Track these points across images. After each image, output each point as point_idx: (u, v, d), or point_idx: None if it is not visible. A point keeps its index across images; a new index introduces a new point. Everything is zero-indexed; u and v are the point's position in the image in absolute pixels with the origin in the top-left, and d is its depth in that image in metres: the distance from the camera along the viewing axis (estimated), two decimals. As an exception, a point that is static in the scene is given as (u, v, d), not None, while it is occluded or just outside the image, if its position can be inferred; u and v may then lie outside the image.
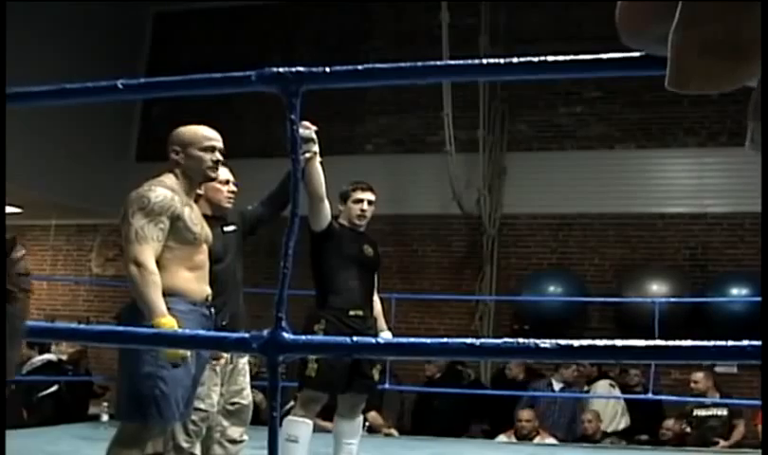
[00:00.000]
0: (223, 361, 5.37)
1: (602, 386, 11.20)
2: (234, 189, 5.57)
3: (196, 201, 5.14)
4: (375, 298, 6.38)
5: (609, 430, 10.99)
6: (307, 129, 5.68)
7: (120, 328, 2.97)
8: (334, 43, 13.60)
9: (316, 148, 5.70)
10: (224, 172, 5.42)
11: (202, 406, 5.21)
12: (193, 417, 5.16)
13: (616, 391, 11.09)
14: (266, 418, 1.93)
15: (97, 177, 13.58)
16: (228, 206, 5.58)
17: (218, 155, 4.61)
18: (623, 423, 11.10)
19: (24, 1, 11.69)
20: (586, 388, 11.34)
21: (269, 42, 13.69)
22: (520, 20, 12.89)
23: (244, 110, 13.03)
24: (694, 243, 12.41)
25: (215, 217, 5.45)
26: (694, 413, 10.34)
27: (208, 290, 4.51)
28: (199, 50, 13.94)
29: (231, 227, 5.58)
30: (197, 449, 5.27)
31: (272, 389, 1.92)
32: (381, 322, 6.46)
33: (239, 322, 5.36)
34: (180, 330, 3.96)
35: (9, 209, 14.27)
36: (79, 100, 2.64)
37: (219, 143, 4.63)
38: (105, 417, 9.45)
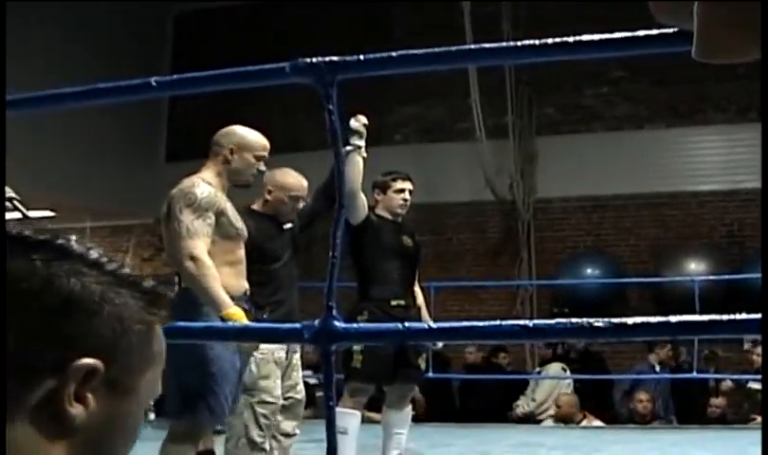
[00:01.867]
0: (283, 355, 5.39)
1: (554, 367, 11.25)
2: (301, 205, 5.62)
3: (263, 204, 5.48)
4: (417, 288, 6.41)
5: (553, 413, 11.04)
6: (359, 121, 5.72)
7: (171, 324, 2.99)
8: (355, 37, 13.54)
9: (361, 142, 5.72)
10: (300, 188, 5.58)
11: (270, 399, 5.23)
12: (264, 411, 5.19)
13: (568, 374, 11.19)
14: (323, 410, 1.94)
15: (128, 179, 13.65)
16: (289, 217, 5.64)
17: (263, 166, 4.71)
18: None
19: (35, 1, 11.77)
20: (538, 369, 11.38)
21: (291, 37, 13.66)
22: (541, 6, 12.83)
23: (269, 106, 13.03)
24: (729, 220, 12.34)
25: (274, 217, 5.54)
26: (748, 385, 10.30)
27: (246, 285, 4.54)
28: (221, 49, 13.92)
29: (289, 225, 5.62)
30: (268, 444, 5.30)
31: (327, 378, 1.92)
32: (424, 312, 6.48)
33: (295, 319, 5.38)
34: (239, 322, 3.98)
35: (43, 214, 14.40)
36: (112, 99, 2.66)
37: (267, 154, 4.71)
38: (151, 416, 9.47)
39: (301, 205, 5.61)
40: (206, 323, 3.19)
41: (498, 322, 1.80)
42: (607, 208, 12.95)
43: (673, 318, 1.77)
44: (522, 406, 11.18)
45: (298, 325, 1.97)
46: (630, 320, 1.79)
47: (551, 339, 8.75)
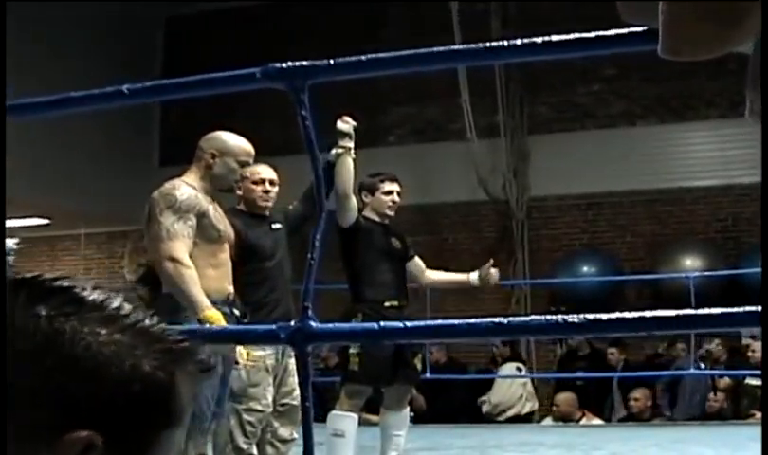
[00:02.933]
0: (274, 362, 5.37)
1: (509, 367, 11.28)
2: (269, 188, 5.57)
3: (239, 201, 5.46)
4: (432, 274, 6.54)
5: (511, 414, 11.05)
6: (346, 123, 5.70)
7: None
8: (345, 36, 13.53)
9: (350, 143, 5.71)
10: (263, 172, 5.52)
11: (258, 407, 5.22)
12: (251, 418, 5.19)
13: (523, 373, 11.31)
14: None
15: (122, 184, 13.63)
16: (263, 204, 5.58)
17: (247, 172, 4.70)
18: (528, 407, 11.15)
19: (32, 0, 11.76)
20: (495, 369, 11.43)
21: (283, 39, 13.62)
22: (530, 4, 12.81)
23: (262, 108, 13.00)
24: (724, 215, 12.34)
25: (261, 216, 5.52)
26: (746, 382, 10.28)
27: (230, 288, 4.53)
28: (213, 52, 13.84)
29: (278, 225, 5.60)
30: (254, 450, 5.28)
31: (303, 379, 1.91)
32: (451, 276, 6.65)
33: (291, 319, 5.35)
34: (205, 317, 3.97)
35: (38, 221, 14.42)
36: (86, 107, 2.66)
37: (252, 159, 4.70)
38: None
39: (269, 188, 5.53)
40: (180, 326, 3.17)
41: (472, 321, 1.79)
42: (602, 205, 12.97)
43: (648, 314, 1.76)
44: (487, 404, 11.24)
45: (273, 326, 1.95)
46: (604, 316, 1.78)
47: (532, 336, 8.72)
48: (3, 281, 0.96)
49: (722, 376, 10.56)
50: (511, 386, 11.22)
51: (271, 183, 5.55)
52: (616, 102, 13.06)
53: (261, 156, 5.42)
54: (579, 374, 11.13)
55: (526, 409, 11.17)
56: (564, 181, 12.78)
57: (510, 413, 11.14)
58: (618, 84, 12.97)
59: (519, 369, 11.35)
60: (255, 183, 5.49)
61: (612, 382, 11.05)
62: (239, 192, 5.44)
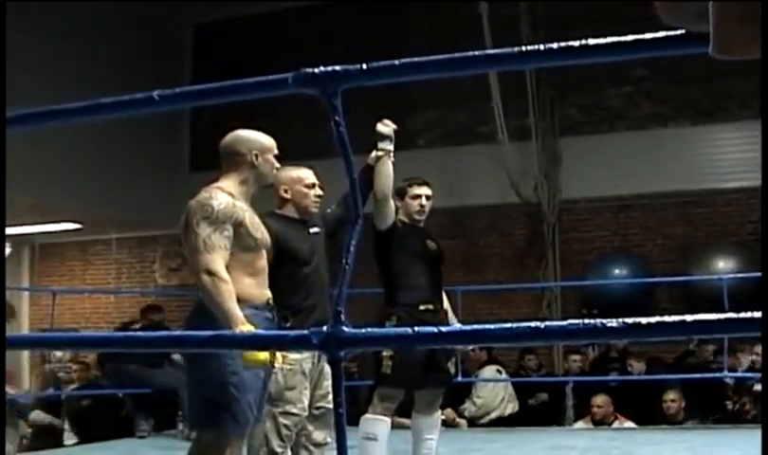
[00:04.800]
0: (311, 366, 5.37)
1: (489, 371, 11.26)
2: (320, 192, 5.59)
3: (283, 205, 5.45)
4: (442, 293, 6.38)
5: (494, 416, 11.03)
6: (387, 126, 5.71)
7: (182, 333, 2.97)
8: (372, 42, 13.53)
9: (390, 146, 5.71)
10: (311, 176, 5.55)
11: (294, 410, 5.22)
12: (286, 422, 5.19)
13: (503, 377, 11.28)
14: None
15: (153, 190, 13.73)
16: (315, 210, 5.61)
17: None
18: (509, 409, 11.13)
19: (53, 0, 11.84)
20: (476, 373, 11.39)
21: (309, 44, 13.66)
22: (559, 6, 12.78)
23: (289, 114, 13.02)
24: (756, 217, 12.23)
25: (301, 221, 5.52)
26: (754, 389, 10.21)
27: (268, 294, 4.51)
28: (241, 58, 13.96)
29: (316, 229, 5.59)
30: (289, 454, 5.28)
31: (336, 384, 1.90)
32: (451, 316, 6.47)
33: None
34: (240, 331, 3.95)
35: (69, 226, 14.54)
36: (117, 113, 2.66)
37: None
38: (182, 426, 9.51)
39: (319, 192, 5.59)
40: (215, 332, 3.17)
41: (509, 325, 1.77)
42: (632, 207, 12.94)
43: (689, 318, 1.73)
44: (468, 409, 11.22)
45: (305, 332, 1.94)
46: (644, 320, 1.76)
47: (566, 341, 8.68)
48: (3, 281, 0.96)
49: (755, 381, 10.47)
50: (493, 389, 11.22)
51: (320, 187, 5.60)
52: (647, 104, 13.01)
53: (289, 161, 5.43)
54: (573, 378, 11.21)
55: (508, 411, 11.17)
56: (595, 183, 12.75)
57: (493, 416, 11.15)
58: (649, 86, 12.93)
59: (499, 371, 11.36)
60: (307, 187, 5.52)
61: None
62: (285, 196, 5.47)
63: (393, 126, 5.74)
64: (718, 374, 10.31)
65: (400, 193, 6.21)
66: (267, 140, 4.63)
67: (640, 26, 2.53)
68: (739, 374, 10.33)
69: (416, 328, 1.91)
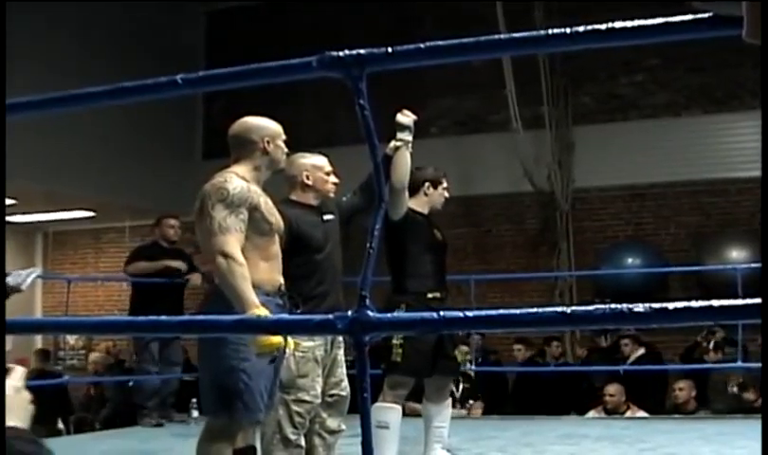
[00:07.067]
0: (324, 353, 5.37)
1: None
2: (336, 180, 5.59)
3: (300, 190, 5.45)
4: None
5: None
6: (407, 116, 5.70)
7: (202, 317, 2.96)
8: (387, 29, 13.51)
9: (409, 137, 5.70)
10: (327, 163, 5.56)
11: (307, 397, 5.21)
12: (299, 409, 5.18)
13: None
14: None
15: (166, 177, 13.77)
16: (332, 196, 5.62)
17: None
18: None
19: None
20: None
21: (323, 32, 13.65)
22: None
23: (303, 101, 13.05)
24: (770, 205, 12.22)
25: (315, 208, 5.50)
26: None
27: (280, 280, 4.51)
28: (255, 45, 13.93)
29: (330, 216, 5.57)
30: (302, 441, 5.28)
31: (361, 370, 1.88)
32: None
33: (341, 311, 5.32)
34: (264, 316, 3.94)
35: (82, 214, 14.59)
36: (140, 97, 2.64)
37: None
38: (195, 413, 9.50)
39: (335, 179, 5.59)
40: (238, 316, 3.15)
41: (536, 310, 1.77)
42: (645, 196, 12.93)
43: (716, 303, 1.72)
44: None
45: (330, 316, 1.93)
46: (671, 306, 1.75)
47: (590, 327, 8.66)
48: (3, 280, 0.97)
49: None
50: None
51: (335, 174, 5.62)
52: (660, 93, 13.00)
53: (303, 148, 5.43)
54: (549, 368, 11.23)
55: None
56: (608, 172, 12.75)
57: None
58: (662, 75, 12.91)
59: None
60: (327, 174, 5.52)
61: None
62: (307, 182, 5.44)
63: (413, 117, 5.72)
64: (733, 365, 10.27)
65: (434, 182, 6.25)
66: (276, 126, 4.65)
67: (655, 11, 2.52)
68: (754, 364, 10.30)
69: (442, 312, 1.90)
